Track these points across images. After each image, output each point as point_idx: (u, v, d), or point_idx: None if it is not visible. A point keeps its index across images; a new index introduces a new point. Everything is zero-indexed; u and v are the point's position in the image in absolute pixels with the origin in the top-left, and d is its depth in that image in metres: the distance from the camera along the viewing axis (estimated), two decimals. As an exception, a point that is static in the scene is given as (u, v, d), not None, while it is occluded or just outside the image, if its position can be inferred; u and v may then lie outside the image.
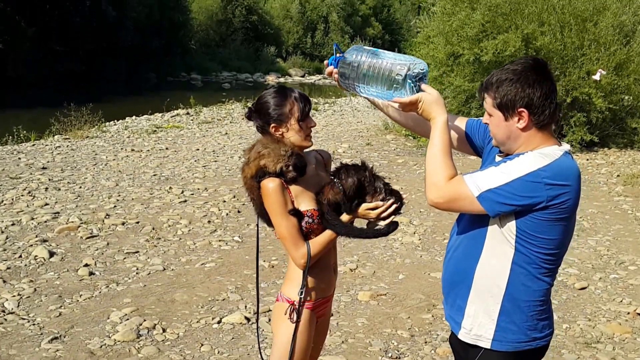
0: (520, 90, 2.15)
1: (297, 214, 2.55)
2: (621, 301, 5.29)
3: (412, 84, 2.30)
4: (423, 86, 2.31)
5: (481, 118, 2.53)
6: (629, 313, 5.05)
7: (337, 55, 2.47)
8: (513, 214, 2.15)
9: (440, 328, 4.74)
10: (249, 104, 2.75)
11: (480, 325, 2.30)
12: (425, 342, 4.52)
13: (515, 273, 2.22)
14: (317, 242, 2.57)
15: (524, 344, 2.27)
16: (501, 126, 2.22)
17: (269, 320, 4.77)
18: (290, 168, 2.52)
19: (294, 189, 2.58)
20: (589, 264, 6.15)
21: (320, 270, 2.67)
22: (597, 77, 10.20)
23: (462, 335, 2.35)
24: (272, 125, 2.60)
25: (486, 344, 2.29)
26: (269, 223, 2.62)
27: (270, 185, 2.52)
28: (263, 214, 2.63)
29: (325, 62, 2.53)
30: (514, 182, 2.10)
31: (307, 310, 2.65)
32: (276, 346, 2.65)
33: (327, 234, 2.59)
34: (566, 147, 2.24)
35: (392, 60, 2.34)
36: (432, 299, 5.26)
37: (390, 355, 4.32)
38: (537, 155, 2.16)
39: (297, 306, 2.61)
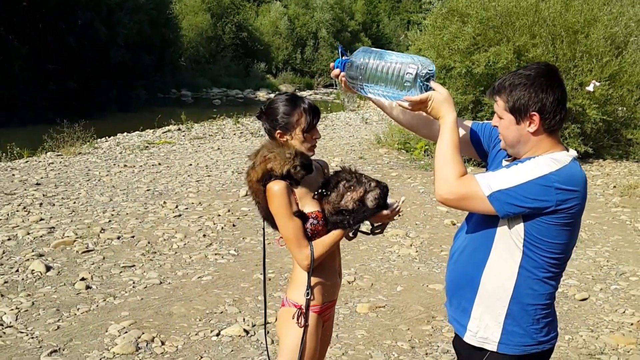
0: (533, 95, 2.18)
1: (301, 215, 2.58)
2: (624, 312, 5.29)
3: (421, 83, 2.31)
4: (433, 84, 2.33)
5: (486, 122, 2.55)
6: (632, 324, 5.04)
7: (343, 57, 2.49)
8: (521, 218, 2.18)
9: (440, 340, 4.73)
10: (260, 108, 2.76)
11: (486, 328, 2.31)
12: (426, 354, 4.50)
13: (522, 277, 2.24)
14: (321, 244, 2.60)
15: (530, 347, 2.29)
16: (511, 129, 2.25)
17: (269, 332, 4.75)
18: (299, 168, 2.56)
19: (298, 191, 2.62)
20: (588, 275, 6.16)
21: (326, 274, 2.69)
22: (590, 88, 10.27)
23: (468, 338, 2.36)
24: (278, 131, 2.65)
25: (492, 347, 2.30)
26: (275, 226, 2.64)
27: (276, 187, 2.55)
28: (269, 217, 2.65)
29: (331, 64, 2.55)
30: (525, 184, 2.13)
31: (314, 314, 2.66)
32: (284, 351, 2.65)
33: (331, 235, 2.62)
34: (573, 153, 2.28)
35: (400, 60, 2.35)
36: (431, 311, 5.25)
37: (391, 366, 4.30)
38: (549, 159, 2.19)
39: (304, 310, 2.61)
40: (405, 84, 2.33)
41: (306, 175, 2.60)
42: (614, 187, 9.96)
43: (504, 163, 2.37)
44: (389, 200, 2.69)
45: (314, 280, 2.64)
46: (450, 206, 2.28)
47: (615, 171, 11.28)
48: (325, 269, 2.68)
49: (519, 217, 2.18)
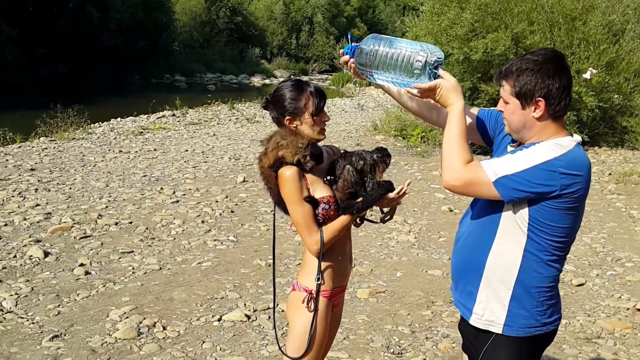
0: (540, 81, 2.20)
1: (312, 201, 2.59)
2: (620, 297, 5.33)
3: (430, 71, 2.33)
4: (441, 72, 2.34)
5: (492, 108, 2.57)
6: (628, 309, 5.09)
7: (352, 44, 2.51)
8: (526, 202, 2.20)
9: (440, 324, 4.75)
10: (266, 96, 2.77)
11: (491, 310, 2.35)
12: (427, 338, 4.53)
13: (527, 260, 2.27)
14: (331, 228, 2.61)
15: (534, 329, 2.33)
16: (517, 114, 2.27)
17: (269, 317, 4.77)
18: (308, 158, 2.57)
19: (309, 177, 2.63)
20: (585, 260, 6.20)
21: (337, 259, 2.70)
22: (587, 75, 10.28)
23: (474, 321, 2.40)
24: (287, 117, 2.65)
25: (498, 329, 2.34)
26: (286, 211, 2.65)
27: (288, 173, 2.56)
28: (280, 203, 2.66)
29: (341, 51, 2.58)
30: (530, 169, 2.15)
31: (324, 299, 2.67)
32: (294, 336, 2.66)
33: (341, 220, 2.62)
34: (578, 138, 2.30)
35: (410, 47, 2.36)
36: (430, 296, 5.27)
37: (392, 351, 4.32)
38: (553, 144, 2.21)
39: (314, 295, 2.62)
40: (414, 72, 2.35)
41: (316, 165, 2.61)
42: (610, 174, 10.00)
43: (509, 149, 2.39)
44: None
45: (324, 265, 2.65)
46: (457, 192, 2.30)
47: (611, 158, 11.33)
48: (336, 254, 2.70)
49: (523, 202, 2.21)
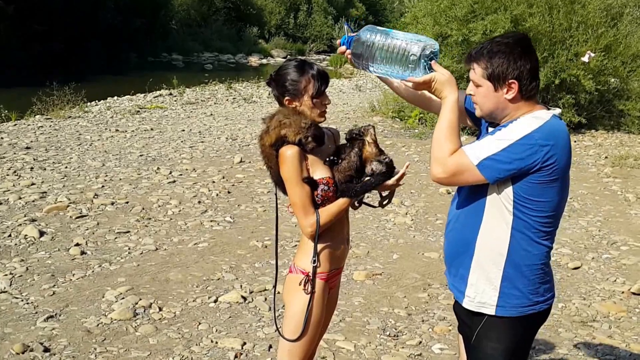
0: (512, 63, 2.23)
1: (311, 182, 2.58)
2: (615, 280, 5.35)
3: (425, 64, 2.35)
4: (435, 66, 2.35)
5: None
6: (623, 292, 5.10)
7: (349, 35, 2.52)
8: (510, 180, 2.23)
9: (436, 307, 4.76)
10: (270, 74, 2.77)
11: (483, 292, 2.37)
12: (423, 321, 4.54)
13: (515, 239, 2.29)
14: (328, 211, 2.60)
15: (527, 308, 2.35)
16: (490, 97, 2.30)
17: (265, 299, 4.77)
18: (310, 139, 2.56)
19: (309, 158, 2.62)
20: (581, 244, 6.20)
21: (334, 241, 2.70)
22: (585, 59, 10.23)
23: (467, 304, 2.42)
24: (287, 98, 2.65)
25: (490, 310, 2.36)
26: (284, 191, 2.64)
27: (289, 152, 2.56)
28: (279, 182, 2.65)
29: (338, 41, 2.60)
30: (510, 147, 2.18)
31: (321, 282, 2.66)
32: (290, 318, 2.66)
33: (338, 203, 2.62)
34: (556, 110, 2.33)
35: (405, 39, 2.38)
36: (427, 279, 5.27)
37: (388, 333, 4.33)
38: (530, 118, 2.25)
39: (311, 277, 2.62)
40: (409, 65, 2.37)
41: (317, 147, 2.61)
42: (606, 157, 9.99)
43: (490, 129, 2.41)
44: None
45: (321, 247, 2.64)
46: (445, 184, 2.38)
47: (607, 142, 11.31)
48: (334, 237, 2.69)
49: (507, 181, 2.23)
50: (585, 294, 5.09)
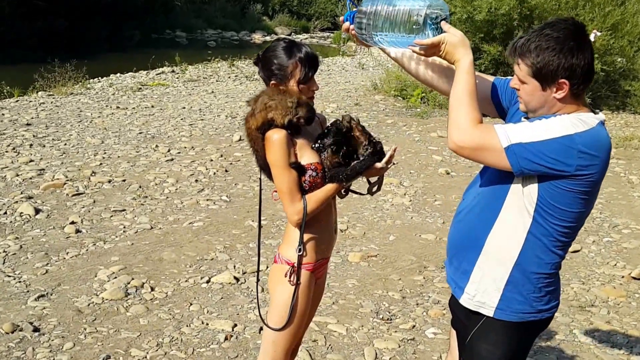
0: (563, 61, 2.00)
1: (298, 167, 2.47)
2: (615, 265, 5.29)
3: (433, 26, 2.16)
4: (445, 26, 2.16)
5: (509, 78, 2.36)
6: (623, 277, 5.04)
7: (352, 9, 2.35)
8: (536, 179, 2.05)
9: (431, 290, 4.71)
10: (257, 53, 2.64)
11: (484, 292, 2.23)
12: (417, 304, 4.49)
13: (529, 243, 2.14)
14: (314, 198, 2.49)
15: (528, 315, 2.21)
16: (536, 95, 2.09)
17: (258, 280, 4.71)
18: (299, 118, 2.46)
19: (297, 142, 2.50)
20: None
21: (321, 230, 2.60)
22: (591, 38, 10.03)
23: (465, 301, 2.29)
24: (273, 81, 2.54)
25: (489, 312, 2.23)
26: (271, 177, 2.53)
27: (276, 136, 2.44)
28: (265, 167, 2.53)
29: (341, 18, 2.41)
30: (547, 141, 1.98)
31: (307, 272, 2.57)
32: (275, 308, 2.58)
33: (326, 189, 2.50)
34: (601, 116, 2.13)
35: (409, 3, 2.19)
36: (423, 261, 5.22)
37: (381, 316, 4.29)
38: (575, 119, 2.03)
39: (297, 268, 2.53)
40: (414, 27, 2.18)
41: (307, 124, 2.50)
42: (610, 138, 9.86)
43: (523, 120, 2.18)
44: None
45: (308, 236, 2.55)
46: (463, 156, 2.12)
47: (612, 122, 11.18)
48: (321, 225, 2.59)
49: (533, 179, 2.05)
50: (584, 278, 5.04)
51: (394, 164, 2.71)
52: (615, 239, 5.86)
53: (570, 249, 5.42)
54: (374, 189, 2.71)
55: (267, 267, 4.69)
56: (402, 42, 2.26)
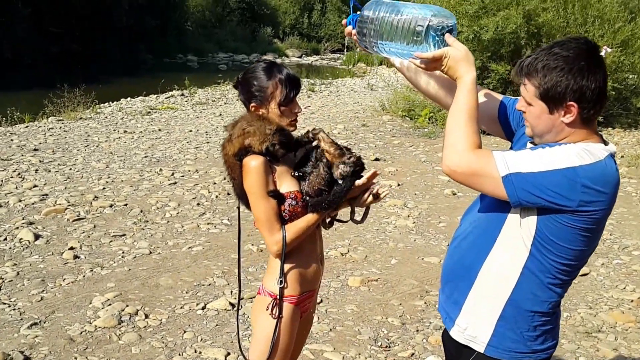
0: (572, 83, 1.86)
1: (277, 196, 2.36)
2: (624, 288, 5.12)
3: (436, 38, 2.03)
4: (449, 40, 2.03)
5: (517, 98, 2.17)
6: (632, 301, 4.87)
7: (356, 13, 2.23)
8: (536, 211, 1.90)
9: (433, 316, 4.58)
10: (237, 77, 2.56)
11: (476, 325, 2.08)
12: (417, 331, 4.36)
13: (525, 278, 1.98)
14: (294, 228, 2.38)
15: (521, 355, 2.05)
16: (543, 118, 1.94)
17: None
18: (277, 147, 2.34)
19: (277, 169, 2.40)
20: (590, 248, 5.98)
21: (305, 261, 2.48)
22: (602, 54, 9.97)
23: (455, 334, 2.14)
24: (252, 104, 2.44)
25: (480, 347, 2.07)
26: (248, 205, 2.42)
27: (253, 163, 2.33)
28: (243, 195, 2.42)
29: (344, 21, 2.29)
30: (549, 172, 1.83)
31: (290, 306, 2.44)
32: (256, 342, 2.46)
33: (306, 218, 2.39)
34: (612, 148, 1.97)
35: (414, 12, 2.05)
36: (425, 285, 5.10)
37: (379, 344, 4.16)
38: (582, 150, 1.88)
39: (279, 301, 2.41)
40: (415, 38, 2.04)
41: (285, 154, 2.39)
42: (622, 157, 9.69)
43: (529, 145, 2.05)
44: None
45: (291, 267, 2.43)
46: (457, 180, 1.98)
47: (624, 140, 11.02)
48: (305, 256, 2.48)
49: (532, 211, 1.91)
50: (591, 303, 4.88)
51: (386, 195, 2.58)
52: (625, 261, 5.70)
53: (579, 273, 5.29)
54: (360, 218, 2.60)
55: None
56: (403, 53, 2.14)
